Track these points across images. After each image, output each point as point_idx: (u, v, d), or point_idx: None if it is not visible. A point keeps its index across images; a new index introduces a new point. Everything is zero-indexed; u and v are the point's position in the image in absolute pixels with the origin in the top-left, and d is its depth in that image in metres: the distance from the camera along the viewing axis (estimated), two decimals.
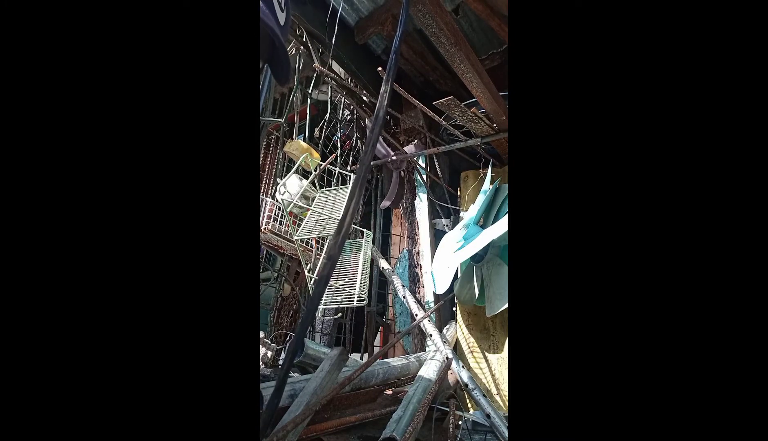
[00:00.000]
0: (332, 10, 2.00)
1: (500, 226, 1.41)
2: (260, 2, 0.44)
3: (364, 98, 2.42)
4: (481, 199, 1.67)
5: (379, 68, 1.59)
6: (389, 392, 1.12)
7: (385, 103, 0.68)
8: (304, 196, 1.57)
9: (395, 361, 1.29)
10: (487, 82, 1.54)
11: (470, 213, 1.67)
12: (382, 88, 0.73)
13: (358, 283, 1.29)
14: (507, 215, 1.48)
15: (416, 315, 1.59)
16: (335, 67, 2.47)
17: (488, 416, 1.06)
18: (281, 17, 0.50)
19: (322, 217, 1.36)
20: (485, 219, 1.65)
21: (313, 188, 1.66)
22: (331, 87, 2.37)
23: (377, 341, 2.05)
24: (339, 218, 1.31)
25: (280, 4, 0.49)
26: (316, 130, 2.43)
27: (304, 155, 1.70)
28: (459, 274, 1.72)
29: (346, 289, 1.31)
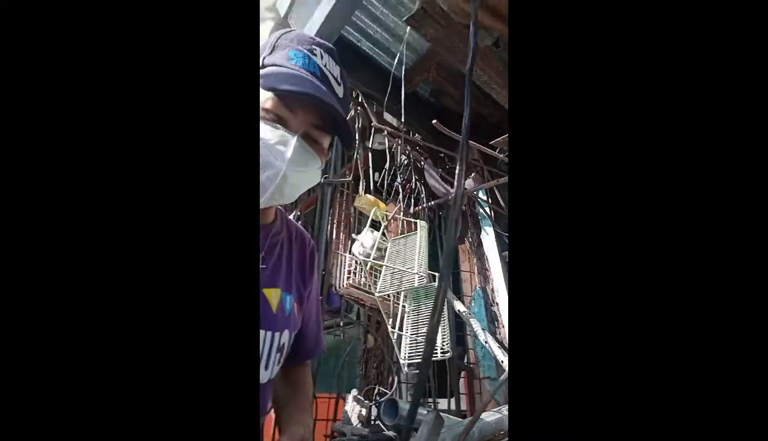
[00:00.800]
0: (384, 70, 2.17)
1: None
2: (319, 83, 0.50)
3: (418, 141, 2.52)
4: None
5: (435, 121, 1.66)
6: None
7: (462, 184, 0.71)
8: (378, 248, 1.66)
9: (489, 416, 1.24)
10: None
11: None
12: (457, 169, 0.77)
13: (439, 336, 1.30)
14: None
15: (501, 361, 1.52)
16: (387, 116, 2.63)
17: None
18: (339, 91, 0.53)
19: (396, 271, 1.41)
20: None
21: (384, 238, 1.75)
22: (386, 137, 2.52)
23: (462, 388, 1.98)
24: (413, 270, 1.35)
25: (336, 79, 0.53)
26: (376, 175, 2.58)
27: (373, 208, 1.81)
28: None
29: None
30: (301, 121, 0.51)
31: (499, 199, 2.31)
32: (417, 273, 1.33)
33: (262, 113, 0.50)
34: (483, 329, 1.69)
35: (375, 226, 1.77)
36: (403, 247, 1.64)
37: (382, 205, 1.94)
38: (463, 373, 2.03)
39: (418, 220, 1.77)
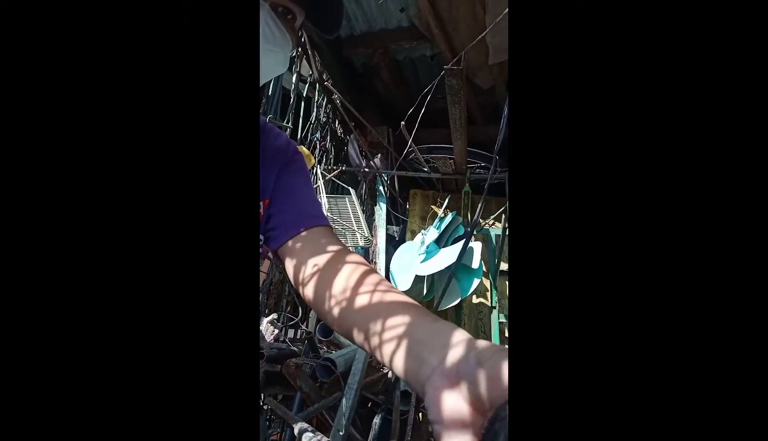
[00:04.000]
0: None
1: (454, 250, 2.00)
2: None
3: (338, 101, 2.65)
4: (438, 223, 2.25)
5: (403, 123, 1.88)
6: None
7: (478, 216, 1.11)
8: None
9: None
10: (464, 143, 2.10)
11: (431, 234, 2.23)
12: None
13: None
14: (461, 241, 2.08)
15: None
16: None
17: None
18: None
19: (344, 227, 1.68)
20: (441, 240, 2.25)
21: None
22: (310, 82, 2.48)
23: None
24: (359, 231, 1.65)
25: None
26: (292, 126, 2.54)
27: (310, 162, 1.93)
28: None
29: None
30: None
31: (395, 181, 2.83)
32: (361, 233, 1.65)
33: None
34: None
35: None
36: (335, 207, 1.89)
37: (312, 159, 2.08)
38: None
39: (350, 188, 2.03)
